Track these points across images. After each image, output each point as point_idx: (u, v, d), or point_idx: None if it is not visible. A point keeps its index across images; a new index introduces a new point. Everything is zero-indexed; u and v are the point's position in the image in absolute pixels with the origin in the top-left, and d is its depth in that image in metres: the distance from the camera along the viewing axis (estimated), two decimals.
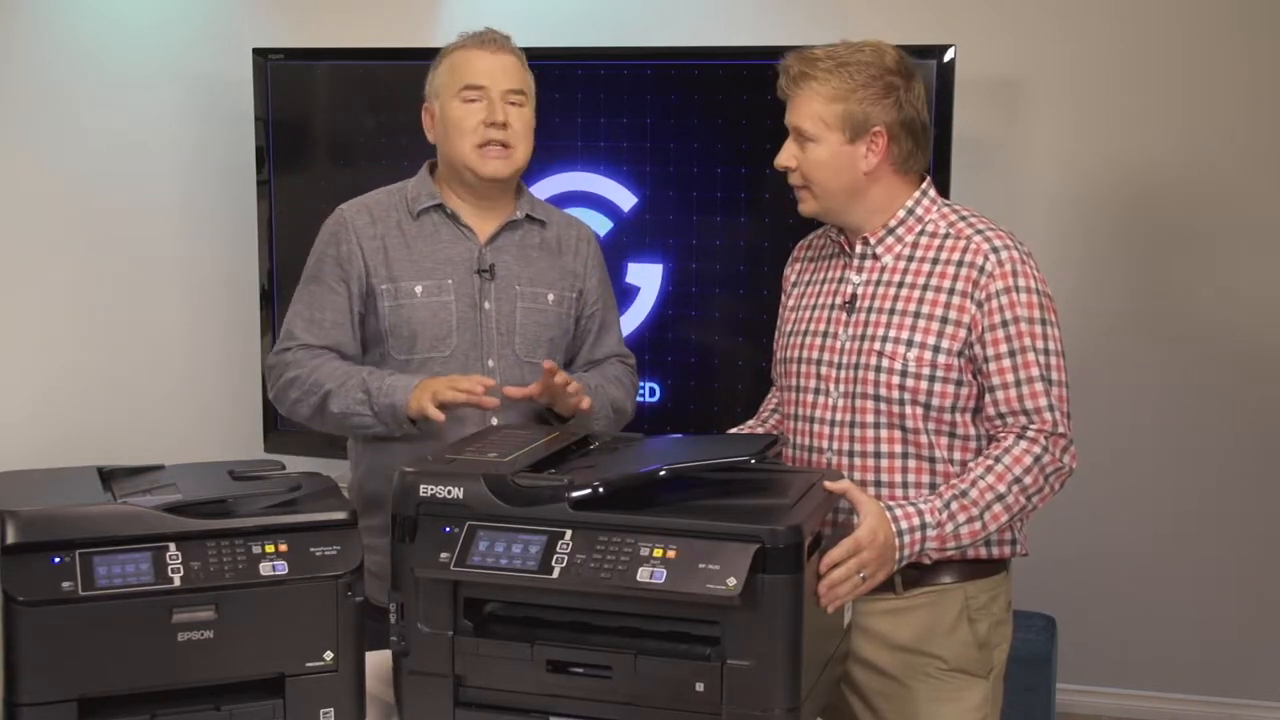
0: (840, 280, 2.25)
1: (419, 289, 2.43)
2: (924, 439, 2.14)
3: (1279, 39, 3.42)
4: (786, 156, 2.20)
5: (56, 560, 1.72)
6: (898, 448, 2.15)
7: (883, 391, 2.14)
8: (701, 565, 1.70)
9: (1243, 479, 3.55)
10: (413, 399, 2.32)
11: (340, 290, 2.45)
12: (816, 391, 2.22)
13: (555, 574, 1.74)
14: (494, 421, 2.42)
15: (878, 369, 2.15)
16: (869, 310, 2.18)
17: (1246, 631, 3.60)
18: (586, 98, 3.41)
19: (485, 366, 2.44)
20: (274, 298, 3.70)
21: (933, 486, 2.14)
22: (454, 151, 2.45)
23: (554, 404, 2.42)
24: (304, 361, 2.43)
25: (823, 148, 2.16)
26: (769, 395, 2.47)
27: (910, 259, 2.18)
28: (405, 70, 3.57)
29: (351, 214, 2.49)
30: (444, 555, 1.79)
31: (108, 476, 1.97)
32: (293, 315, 2.49)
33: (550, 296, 2.51)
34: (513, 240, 2.51)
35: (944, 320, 2.13)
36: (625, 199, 3.41)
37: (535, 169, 3.39)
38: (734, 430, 2.41)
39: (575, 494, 1.79)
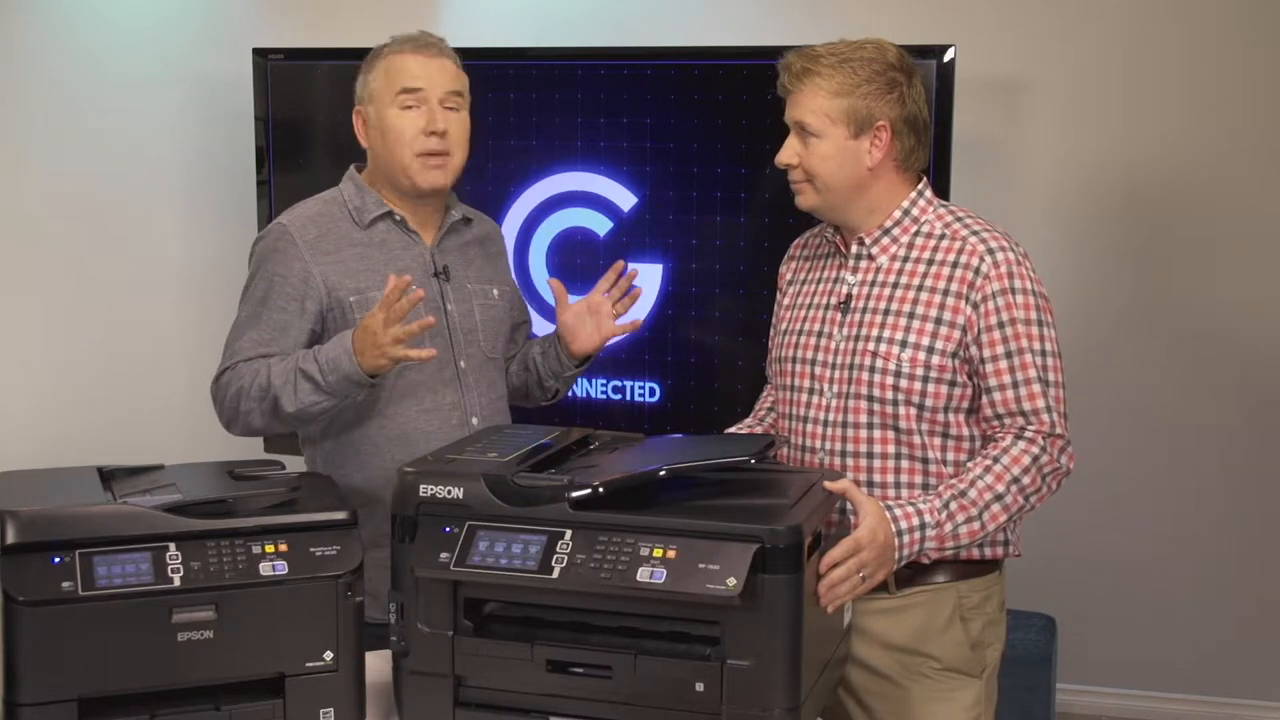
0: (835, 280, 2.25)
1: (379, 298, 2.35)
2: (917, 440, 2.14)
3: (1278, 39, 3.42)
4: (789, 154, 2.19)
5: (56, 560, 1.72)
6: (891, 448, 2.15)
7: (876, 392, 2.14)
8: (701, 565, 1.70)
9: (1243, 479, 3.55)
10: (365, 362, 2.20)
11: (290, 308, 2.35)
12: (810, 391, 2.22)
13: (555, 574, 1.74)
14: (474, 423, 2.41)
15: (871, 369, 2.15)
16: (863, 310, 2.18)
17: (1246, 631, 3.60)
18: (586, 98, 3.41)
19: (458, 368, 2.42)
20: None
21: (925, 487, 2.14)
22: (392, 160, 2.39)
23: (573, 335, 2.47)
24: (243, 372, 2.32)
25: (827, 143, 2.15)
26: (764, 393, 2.47)
27: (906, 260, 2.18)
28: None
29: (297, 229, 2.38)
30: (444, 555, 1.79)
31: (108, 476, 1.97)
32: (235, 335, 2.38)
33: (495, 292, 2.53)
34: (455, 242, 2.50)
35: (938, 321, 2.13)
36: (625, 199, 3.41)
37: (535, 169, 3.41)
38: (731, 430, 2.41)
39: (575, 494, 1.79)
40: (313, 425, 2.39)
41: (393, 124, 2.38)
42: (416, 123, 2.37)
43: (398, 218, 2.44)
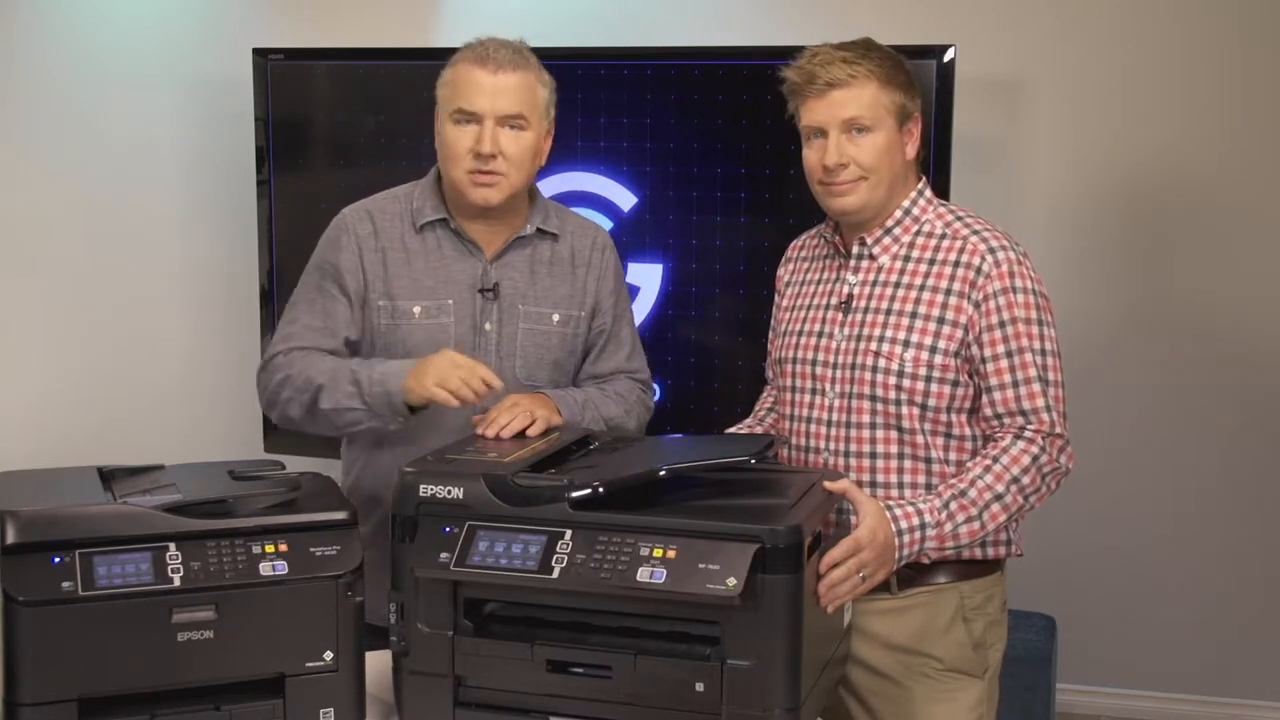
0: (836, 280, 2.25)
1: (417, 309, 2.36)
2: (920, 439, 2.14)
3: (1277, 39, 3.42)
4: (838, 154, 2.13)
5: (56, 560, 1.72)
6: (894, 448, 2.15)
7: (879, 392, 2.14)
8: (701, 565, 1.70)
9: (1243, 479, 3.55)
10: (411, 382, 2.20)
11: (341, 299, 2.37)
12: (813, 392, 2.22)
13: (555, 574, 1.74)
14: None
15: (874, 369, 2.15)
16: (865, 310, 2.18)
17: (1246, 631, 3.60)
18: (586, 98, 3.41)
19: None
20: (274, 297, 3.70)
21: (928, 487, 2.14)
22: (446, 172, 2.36)
23: None
24: (295, 361, 2.32)
25: (882, 135, 2.13)
26: (763, 394, 2.47)
27: (907, 259, 2.18)
28: (405, 70, 3.59)
29: (354, 221, 2.40)
30: (444, 555, 1.80)
31: (108, 476, 1.97)
32: (288, 320, 2.39)
33: (555, 317, 2.42)
34: (521, 256, 2.41)
35: (940, 321, 2.13)
36: (625, 199, 3.41)
37: None
38: (732, 430, 2.41)
39: (575, 494, 1.79)
40: (340, 433, 2.36)
41: (446, 138, 2.33)
42: (467, 140, 2.30)
43: (452, 226, 2.39)
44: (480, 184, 2.31)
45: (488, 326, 2.38)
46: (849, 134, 2.13)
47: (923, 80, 2.24)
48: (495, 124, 2.30)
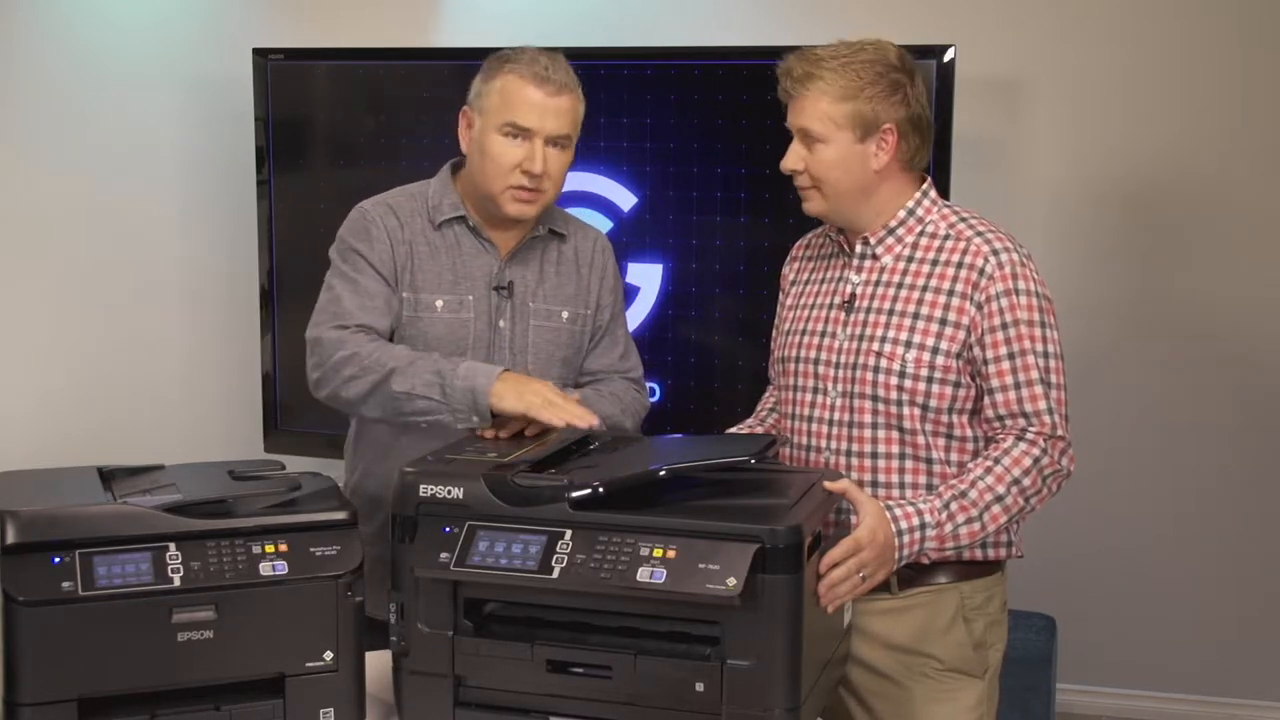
0: (839, 280, 2.25)
1: (439, 303, 2.37)
2: (921, 440, 2.14)
3: (1277, 39, 3.42)
4: (794, 159, 2.17)
5: (56, 560, 1.72)
6: (895, 448, 2.15)
7: (881, 392, 2.14)
8: (701, 565, 1.70)
9: (1242, 479, 3.55)
10: (505, 389, 2.13)
11: (380, 282, 2.35)
12: (815, 391, 2.22)
13: (555, 574, 1.74)
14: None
15: (876, 369, 2.15)
16: (868, 310, 2.18)
17: (1246, 631, 3.60)
18: (586, 97, 3.40)
19: None
20: (274, 298, 3.70)
21: (929, 488, 2.14)
22: (484, 181, 2.35)
23: None
24: (364, 342, 2.27)
25: (832, 148, 2.14)
26: (766, 394, 2.47)
27: (910, 260, 2.18)
28: (405, 70, 3.59)
29: (379, 213, 2.39)
30: (444, 555, 1.80)
31: (108, 476, 1.97)
32: (331, 300, 2.34)
33: (564, 314, 2.45)
34: (533, 255, 2.44)
35: (943, 322, 2.13)
36: (625, 199, 3.41)
37: None
38: (733, 430, 2.41)
39: (575, 494, 1.79)
40: (397, 419, 2.27)
41: (491, 150, 2.32)
42: (515, 155, 2.30)
43: (471, 223, 2.40)
44: (521, 200, 2.33)
45: (501, 324, 2.41)
46: (806, 142, 2.15)
47: (923, 78, 2.24)
48: (544, 143, 2.31)
